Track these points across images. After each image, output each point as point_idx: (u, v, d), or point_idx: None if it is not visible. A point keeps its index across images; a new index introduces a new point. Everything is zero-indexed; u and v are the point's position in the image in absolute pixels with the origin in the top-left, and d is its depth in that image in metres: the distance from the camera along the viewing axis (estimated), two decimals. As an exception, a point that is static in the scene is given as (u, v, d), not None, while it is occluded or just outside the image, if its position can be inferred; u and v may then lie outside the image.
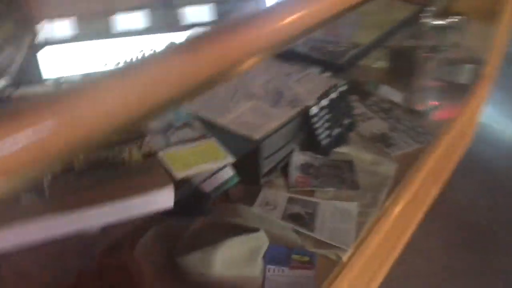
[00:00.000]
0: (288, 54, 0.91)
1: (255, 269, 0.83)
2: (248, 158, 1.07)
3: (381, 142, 1.29)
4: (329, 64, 0.79)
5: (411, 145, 1.29)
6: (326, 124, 1.23)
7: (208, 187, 1.07)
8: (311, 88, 0.73)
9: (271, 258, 0.91)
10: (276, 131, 0.61)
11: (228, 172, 1.08)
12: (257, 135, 0.61)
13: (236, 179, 1.09)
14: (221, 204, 1.05)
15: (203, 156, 0.57)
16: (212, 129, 0.64)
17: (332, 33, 0.91)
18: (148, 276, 0.72)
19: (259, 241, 0.84)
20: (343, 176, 1.16)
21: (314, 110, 1.19)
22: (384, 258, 1.10)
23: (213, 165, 0.56)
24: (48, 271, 0.63)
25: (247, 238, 0.82)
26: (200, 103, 0.70)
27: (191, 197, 1.01)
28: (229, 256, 0.81)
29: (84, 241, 0.72)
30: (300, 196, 1.09)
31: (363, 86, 1.57)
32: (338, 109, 1.27)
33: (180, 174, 0.53)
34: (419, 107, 1.47)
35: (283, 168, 1.18)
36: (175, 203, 1.02)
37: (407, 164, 1.22)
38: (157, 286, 0.85)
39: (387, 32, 0.96)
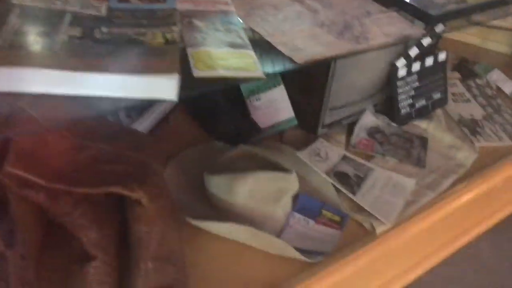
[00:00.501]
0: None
1: (278, 210, 0.79)
2: (311, 104, 1.00)
3: (469, 127, 1.14)
4: (420, 12, 0.68)
5: (504, 140, 1.12)
6: (412, 92, 1.11)
7: (263, 122, 1.03)
8: (389, 32, 0.64)
9: (301, 207, 0.86)
10: (324, 60, 0.54)
11: (288, 113, 1.03)
12: (300, 59, 0.54)
13: (294, 122, 1.04)
14: (271, 142, 1.01)
15: (234, 63, 0.52)
16: (258, 43, 0.59)
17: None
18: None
19: (289, 183, 0.79)
20: (411, 150, 1.05)
21: (401, 71, 1.07)
22: (423, 251, 0.98)
23: (240, 73, 0.51)
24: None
25: (276, 176, 0.78)
26: (256, 15, 0.64)
27: (243, 128, 0.99)
28: (254, 189, 0.78)
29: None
30: (356, 158, 1.01)
31: (472, 65, 1.39)
32: (430, 79, 1.13)
33: (199, 72, 0.49)
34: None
35: (350, 126, 1.09)
36: (227, 130, 1.01)
37: (491, 159, 1.07)
38: (183, 199, 0.85)
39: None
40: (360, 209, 0.88)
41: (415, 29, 0.67)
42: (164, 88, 0.45)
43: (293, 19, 0.65)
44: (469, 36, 1.56)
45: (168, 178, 0.87)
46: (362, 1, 0.72)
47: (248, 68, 0.53)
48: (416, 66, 1.09)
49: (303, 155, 0.94)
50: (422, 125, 1.12)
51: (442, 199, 0.94)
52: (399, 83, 1.08)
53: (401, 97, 1.10)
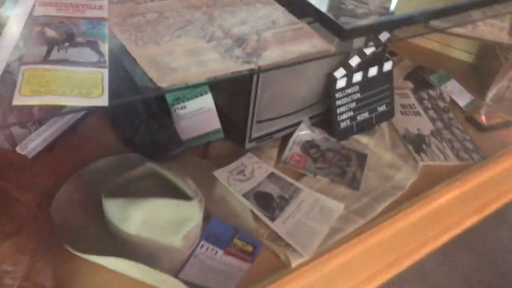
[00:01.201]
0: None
1: (177, 241, 0.70)
2: (238, 115, 0.91)
3: (414, 144, 1.06)
4: (333, 24, 0.59)
5: (450, 159, 1.05)
6: (353, 105, 1.02)
7: (187, 133, 0.94)
8: (289, 48, 0.55)
9: (211, 233, 0.77)
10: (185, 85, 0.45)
11: (214, 124, 0.94)
12: (164, 82, 0.45)
13: (220, 134, 0.95)
14: (191, 156, 0.92)
15: (74, 87, 0.43)
16: (122, 58, 0.50)
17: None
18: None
19: (190, 211, 0.70)
20: (347, 169, 0.97)
21: (341, 82, 0.99)
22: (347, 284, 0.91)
23: (77, 101, 0.41)
24: None
25: (175, 204, 0.69)
26: (134, 23, 0.55)
27: (162, 139, 0.90)
28: (150, 217, 0.69)
29: None
30: (283, 176, 0.92)
31: (428, 74, 1.31)
32: (375, 90, 1.05)
33: (21, 99, 0.40)
34: (486, 119, 1.19)
35: (285, 139, 1.01)
36: (144, 140, 0.91)
37: (433, 181, 0.99)
38: (78, 222, 0.76)
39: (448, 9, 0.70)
40: (277, 236, 0.80)
41: (322, 45, 0.58)
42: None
43: (178, 29, 0.55)
44: (429, 41, 1.48)
45: (66, 195, 0.79)
46: (271, 9, 0.63)
47: (90, 93, 0.43)
48: (357, 77, 1.01)
49: (222, 173, 0.85)
50: (363, 141, 1.04)
51: (370, 227, 0.86)
52: (338, 94, 1.00)
53: (340, 109, 1.01)
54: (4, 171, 0.58)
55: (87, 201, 0.79)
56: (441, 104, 1.20)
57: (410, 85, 1.25)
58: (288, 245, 0.78)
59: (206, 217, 0.80)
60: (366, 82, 1.03)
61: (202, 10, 0.60)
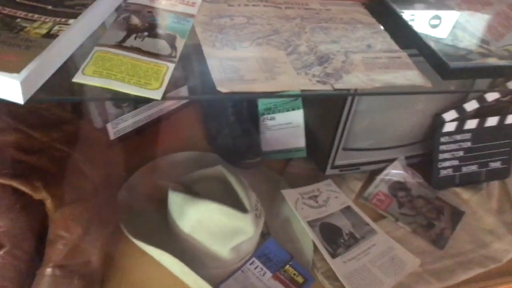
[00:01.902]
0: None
1: (225, 251, 0.68)
2: (323, 139, 0.86)
3: (526, 214, 0.90)
4: (437, 59, 0.51)
5: None
6: (460, 153, 0.91)
7: (270, 144, 0.92)
8: (378, 77, 0.49)
9: (264, 252, 0.74)
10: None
11: (299, 142, 0.91)
12: (224, 88, 0.43)
13: (302, 154, 0.92)
14: (266, 169, 0.89)
15: (135, 76, 0.42)
16: (196, 57, 0.49)
17: (495, 32, 0.58)
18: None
19: (243, 224, 0.67)
20: (435, 223, 0.86)
21: (449, 126, 0.88)
22: None
23: (133, 90, 0.41)
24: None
25: (229, 212, 0.66)
26: (219, 24, 0.53)
27: (243, 145, 0.89)
28: (204, 220, 0.68)
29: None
30: (360, 212, 0.85)
31: None
32: (491, 143, 0.92)
33: (80, 77, 0.41)
34: None
35: (374, 174, 0.93)
36: (225, 143, 0.91)
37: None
38: (146, 208, 0.78)
39: None
40: (335, 276, 0.73)
41: (417, 80, 0.51)
42: (5, 87, 0.37)
43: (262, 37, 0.53)
44: None
45: (139, 179, 0.81)
46: (372, 32, 0.57)
47: (148, 84, 0.43)
48: (471, 124, 0.89)
49: (291, 193, 0.81)
50: (464, 196, 0.92)
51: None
52: (443, 138, 0.89)
53: (443, 155, 0.90)
54: (81, 143, 0.62)
55: (157, 190, 0.81)
56: None
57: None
58: (343, 288, 0.71)
59: (265, 235, 0.77)
60: (481, 132, 0.91)
61: (295, 22, 0.57)
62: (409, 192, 0.91)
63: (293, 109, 0.92)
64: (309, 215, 0.79)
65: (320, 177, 0.90)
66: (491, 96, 0.87)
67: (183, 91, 0.96)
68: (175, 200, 0.71)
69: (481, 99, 0.87)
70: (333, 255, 0.75)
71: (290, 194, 0.80)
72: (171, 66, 0.46)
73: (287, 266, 0.72)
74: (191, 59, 0.51)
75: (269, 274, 0.72)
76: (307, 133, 0.91)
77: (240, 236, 0.67)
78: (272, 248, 0.74)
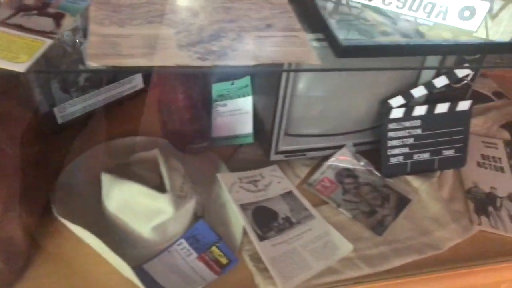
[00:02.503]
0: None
1: (146, 230, 0.69)
2: (268, 124, 0.86)
3: (478, 203, 0.88)
4: (332, 39, 0.50)
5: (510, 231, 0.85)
6: (410, 141, 0.90)
7: (220, 131, 0.93)
8: (265, 54, 0.48)
9: (192, 234, 0.75)
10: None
11: (246, 128, 0.91)
12: (92, 61, 0.44)
13: (249, 140, 0.92)
14: (213, 154, 0.90)
15: (5, 49, 0.44)
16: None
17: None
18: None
19: (160, 205, 0.68)
20: (377, 209, 0.85)
21: (397, 112, 0.87)
22: None
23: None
24: None
25: (149, 193, 0.68)
26: (111, 5, 0.54)
27: (190, 131, 0.90)
28: (128, 200, 0.69)
29: None
30: (301, 198, 0.85)
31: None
32: (444, 131, 0.90)
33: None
34: None
35: (323, 160, 0.93)
36: (174, 129, 0.92)
37: (487, 253, 0.82)
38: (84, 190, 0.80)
39: None
40: (261, 259, 0.73)
41: (305, 57, 0.51)
42: None
43: (156, 16, 0.54)
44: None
45: (83, 162, 0.83)
46: (279, 12, 0.57)
47: (16, 58, 0.44)
48: (420, 110, 0.88)
49: (227, 177, 0.82)
50: (414, 184, 0.90)
51: (374, 279, 0.74)
52: (391, 125, 0.88)
53: (392, 142, 0.89)
54: (3, 122, 0.64)
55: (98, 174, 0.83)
56: (541, 166, 0.98)
57: (505, 135, 1.05)
58: (267, 271, 0.71)
59: (198, 217, 0.78)
60: (431, 119, 0.89)
61: (198, 2, 0.58)
62: (357, 179, 0.90)
63: (244, 96, 0.93)
64: (244, 199, 0.80)
65: (267, 163, 0.90)
66: (439, 82, 0.86)
67: (137, 78, 0.98)
68: (105, 181, 0.73)
69: (429, 85, 0.86)
70: (262, 238, 0.75)
71: (226, 178, 0.81)
72: (48, 42, 0.48)
73: (214, 248, 0.73)
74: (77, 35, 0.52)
75: (195, 255, 0.73)
76: (256, 120, 0.92)
77: (160, 216, 0.69)
78: (202, 230, 0.75)
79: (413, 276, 0.76)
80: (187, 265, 0.71)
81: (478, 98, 1.14)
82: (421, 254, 0.79)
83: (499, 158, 0.99)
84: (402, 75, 0.86)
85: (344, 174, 0.90)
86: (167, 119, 0.93)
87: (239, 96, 0.93)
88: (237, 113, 0.93)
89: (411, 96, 0.86)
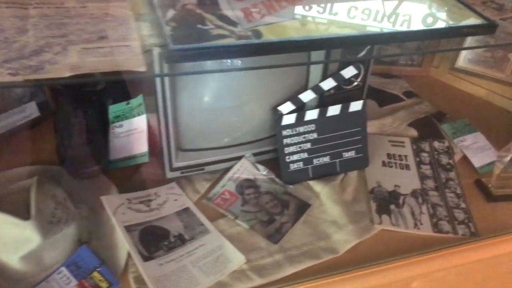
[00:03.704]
0: None
1: (12, 261, 0.66)
2: (160, 142, 0.85)
3: (380, 202, 0.88)
4: (164, 44, 0.49)
5: (422, 228, 0.84)
6: (308, 145, 0.89)
7: (117, 153, 0.91)
8: (85, 64, 0.47)
9: (74, 261, 0.71)
10: None
11: (142, 147, 0.90)
12: None
13: (145, 159, 0.90)
14: (104, 177, 0.88)
15: None
16: None
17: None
18: None
19: (27, 233, 0.65)
20: (276, 217, 0.84)
21: (289, 118, 0.87)
22: None
23: None
24: None
25: (11, 222, 0.65)
26: None
27: (81, 156, 0.87)
28: (-4, 230, 0.66)
29: None
30: (198, 213, 0.83)
31: (449, 121, 1.09)
32: (341, 133, 0.90)
33: None
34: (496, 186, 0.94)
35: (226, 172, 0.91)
36: (66, 155, 0.89)
37: (389, 252, 0.80)
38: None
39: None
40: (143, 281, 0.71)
41: (130, 65, 0.50)
42: None
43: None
44: (474, 87, 1.24)
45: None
46: (116, 24, 0.56)
47: None
48: (312, 114, 0.88)
49: (113, 199, 0.79)
50: (316, 188, 0.89)
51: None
52: (286, 132, 0.88)
53: (289, 149, 0.89)
54: None
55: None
56: (444, 160, 0.98)
57: (413, 133, 1.05)
58: (150, 291, 0.69)
59: (84, 243, 0.75)
60: (326, 122, 0.89)
61: (31, 21, 0.56)
62: (258, 189, 0.89)
63: (138, 115, 0.91)
64: (132, 220, 0.77)
65: (168, 181, 0.88)
66: (327, 85, 0.86)
67: (31, 106, 0.96)
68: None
69: (316, 88, 0.86)
70: (147, 258, 0.73)
71: (111, 200, 0.78)
72: None
73: (95, 273, 0.70)
74: None
75: (74, 282, 0.69)
76: (152, 138, 0.90)
77: (27, 245, 0.66)
78: (84, 256, 0.72)
79: (306, 282, 0.74)
80: (65, 294, 0.68)
81: (388, 98, 1.16)
82: (318, 259, 0.77)
83: (405, 156, 0.99)
84: (291, 81, 0.86)
85: (245, 185, 0.89)
86: (60, 145, 0.90)
87: (134, 116, 0.92)
88: (133, 132, 0.91)
89: (300, 101, 0.86)
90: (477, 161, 1.00)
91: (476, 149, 1.02)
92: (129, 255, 0.74)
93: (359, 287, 0.78)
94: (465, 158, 1.01)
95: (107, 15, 0.59)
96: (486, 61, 1.16)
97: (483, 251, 0.84)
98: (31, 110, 0.95)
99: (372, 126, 1.05)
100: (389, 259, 0.79)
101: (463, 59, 1.18)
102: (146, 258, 0.72)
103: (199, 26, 0.56)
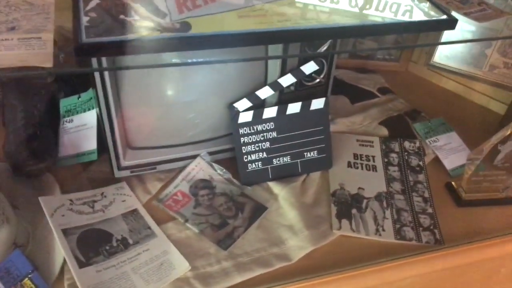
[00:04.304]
0: None
1: None
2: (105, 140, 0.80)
3: (341, 206, 0.83)
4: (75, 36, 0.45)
5: (383, 235, 0.80)
6: (267, 145, 0.84)
7: (65, 150, 0.86)
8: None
9: (5, 266, 0.67)
10: None
11: (91, 144, 0.85)
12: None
13: (93, 157, 0.85)
14: (49, 176, 0.83)
15: None
16: None
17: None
18: None
19: None
20: (229, 221, 0.79)
21: (245, 116, 0.82)
22: None
23: None
24: None
25: None
26: None
27: (24, 153, 0.82)
28: None
29: None
30: (146, 216, 0.78)
31: (422, 120, 1.04)
32: (301, 132, 0.85)
33: None
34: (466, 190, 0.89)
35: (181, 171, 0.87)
36: (10, 151, 0.84)
37: (348, 260, 0.76)
38: None
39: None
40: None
41: (33, 61, 0.44)
42: None
43: None
44: (453, 83, 1.19)
45: None
46: (33, 13, 0.51)
47: None
48: (270, 112, 0.83)
49: (51, 200, 0.75)
50: (275, 190, 0.85)
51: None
52: (242, 130, 0.83)
53: (247, 148, 0.84)
54: None
55: None
56: (414, 162, 0.94)
57: (383, 131, 1.00)
58: (85, 301, 0.64)
59: (19, 247, 0.70)
60: (286, 121, 0.84)
61: None
62: (213, 190, 0.84)
63: (89, 109, 0.87)
64: (71, 222, 0.73)
65: (118, 180, 0.84)
66: (286, 81, 0.81)
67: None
68: None
69: (274, 85, 0.81)
70: (84, 264, 0.68)
71: (50, 201, 0.74)
72: None
73: (26, 280, 0.66)
74: None
75: (3, 289, 0.65)
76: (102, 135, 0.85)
77: None
78: (16, 261, 0.67)
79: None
80: (-8, 303, 0.64)
81: (361, 95, 1.11)
82: (269, 267, 0.73)
83: (373, 157, 0.94)
84: (249, 76, 0.81)
85: (200, 185, 0.84)
86: (5, 139, 0.85)
87: (84, 110, 0.87)
88: (83, 128, 0.86)
89: (258, 97, 0.81)
90: (449, 163, 0.95)
91: (449, 150, 0.98)
92: (65, 261, 0.69)
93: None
94: (437, 160, 0.96)
95: (25, 3, 0.54)
96: (463, 57, 1.10)
97: (448, 259, 0.79)
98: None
99: (341, 124, 1.00)
100: (345, 268, 0.74)
101: (439, 55, 1.13)
102: (82, 264, 0.68)
103: (122, 17, 0.51)
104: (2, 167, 0.84)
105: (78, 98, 0.88)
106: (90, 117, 0.86)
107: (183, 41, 0.50)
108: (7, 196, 0.73)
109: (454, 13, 0.62)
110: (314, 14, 0.61)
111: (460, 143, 0.99)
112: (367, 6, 0.65)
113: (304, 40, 0.70)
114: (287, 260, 0.74)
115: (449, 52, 1.11)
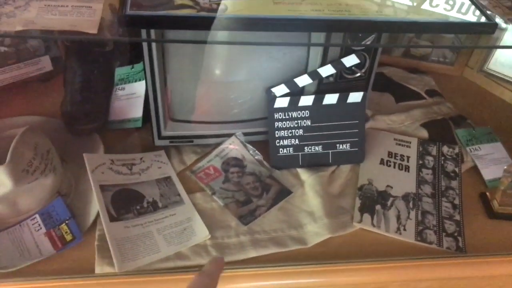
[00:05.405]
0: None
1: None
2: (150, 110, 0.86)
3: (366, 200, 0.84)
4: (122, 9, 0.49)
5: (403, 234, 0.80)
6: (300, 132, 0.87)
7: (114, 115, 0.93)
8: (38, 21, 0.47)
9: (47, 210, 0.75)
10: None
11: (137, 112, 0.92)
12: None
13: (138, 124, 0.92)
14: (96, 136, 0.90)
15: None
16: None
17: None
18: None
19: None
20: (253, 199, 0.83)
21: (281, 102, 0.85)
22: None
23: None
24: None
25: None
26: None
27: (79, 113, 0.90)
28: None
29: None
30: (177, 184, 0.84)
31: (465, 126, 1.02)
32: (338, 123, 0.87)
33: None
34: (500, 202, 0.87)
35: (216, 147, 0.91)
36: (66, 110, 0.92)
37: (365, 253, 0.78)
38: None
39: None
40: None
41: (83, 27, 0.50)
42: None
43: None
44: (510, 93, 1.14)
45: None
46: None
47: None
48: (307, 100, 0.85)
49: (95, 157, 0.82)
50: (303, 176, 0.87)
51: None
52: (277, 115, 0.86)
53: (280, 133, 0.87)
54: None
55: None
56: (450, 167, 0.92)
57: (423, 134, 0.99)
58: (109, 250, 0.71)
59: (62, 195, 0.78)
60: (321, 110, 0.86)
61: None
62: (243, 169, 0.88)
63: (140, 80, 0.93)
64: (109, 180, 0.79)
65: (159, 148, 0.90)
66: (325, 71, 0.82)
67: (44, 60, 1.00)
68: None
69: (313, 74, 0.83)
70: (114, 219, 0.74)
71: (93, 158, 0.81)
72: None
73: (63, 225, 0.73)
74: None
75: (43, 230, 0.73)
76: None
77: (0, 188, 0.69)
78: (58, 207, 0.75)
79: (265, 268, 0.73)
80: (32, 240, 0.72)
81: (407, 94, 1.10)
82: (283, 247, 0.76)
83: (408, 157, 0.94)
84: (290, 63, 0.84)
85: (232, 163, 0.88)
86: (64, 100, 0.94)
87: (136, 80, 0.93)
88: (132, 97, 0.93)
89: (296, 85, 0.84)
90: (488, 173, 0.93)
91: (491, 161, 0.95)
92: (98, 214, 0.76)
93: (324, 282, 0.75)
94: (476, 169, 0.94)
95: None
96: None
97: (468, 268, 0.78)
98: (44, 64, 0.99)
99: (380, 121, 1.00)
100: (360, 260, 0.76)
101: (494, 61, 1.09)
102: (113, 219, 0.74)
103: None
104: (58, 124, 0.92)
105: (131, 68, 0.95)
106: (139, 87, 0.92)
107: (232, 21, 0.53)
108: (58, 150, 0.81)
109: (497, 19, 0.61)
110: (356, 6, 0.62)
111: (504, 155, 0.96)
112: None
113: (343, 31, 0.71)
114: (302, 244, 0.76)
115: (505, 59, 1.06)
